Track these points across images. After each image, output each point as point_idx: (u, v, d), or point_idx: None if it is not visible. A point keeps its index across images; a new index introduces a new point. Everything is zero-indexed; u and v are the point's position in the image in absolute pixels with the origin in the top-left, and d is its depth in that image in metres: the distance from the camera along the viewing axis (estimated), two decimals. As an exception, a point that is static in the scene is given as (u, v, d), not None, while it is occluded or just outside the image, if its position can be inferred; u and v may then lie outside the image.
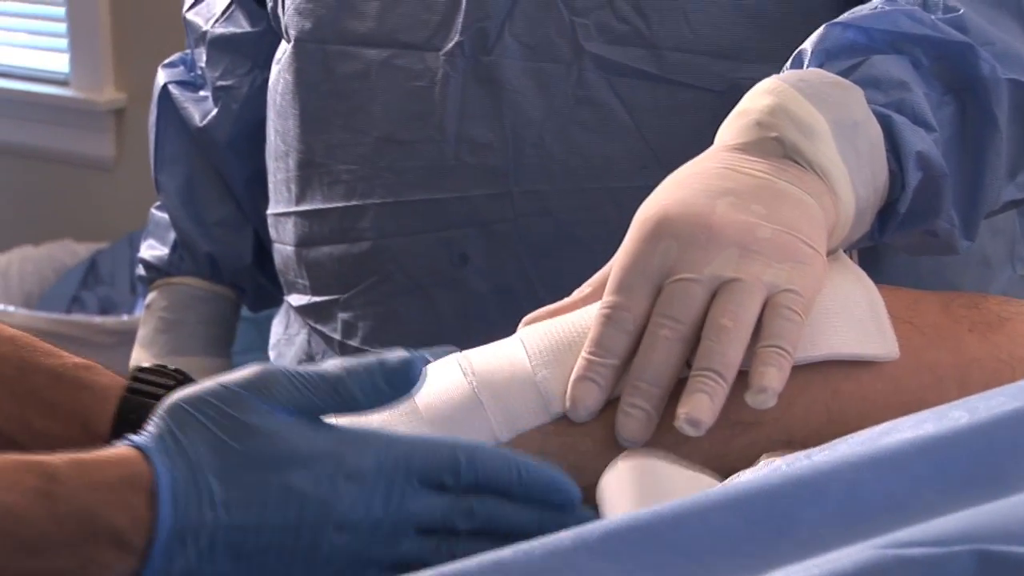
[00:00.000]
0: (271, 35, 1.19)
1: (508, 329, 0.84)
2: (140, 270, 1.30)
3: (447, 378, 0.75)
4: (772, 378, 0.70)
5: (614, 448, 0.72)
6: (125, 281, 2.60)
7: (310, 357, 1.11)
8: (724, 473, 0.69)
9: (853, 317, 0.74)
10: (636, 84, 0.99)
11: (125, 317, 2.42)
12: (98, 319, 2.41)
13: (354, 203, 1.04)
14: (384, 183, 1.03)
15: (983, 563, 0.48)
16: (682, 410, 0.69)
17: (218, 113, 1.23)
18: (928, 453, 0.54)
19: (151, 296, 1.28)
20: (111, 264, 2.64)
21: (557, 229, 1.00)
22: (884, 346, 0.74)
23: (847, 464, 0.54)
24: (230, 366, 1.26)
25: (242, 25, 1.23)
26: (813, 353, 0.73)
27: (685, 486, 0.64)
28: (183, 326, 1.26)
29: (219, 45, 1.24)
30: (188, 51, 1.28)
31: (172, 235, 1.27)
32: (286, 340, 1.14)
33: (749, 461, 0.70)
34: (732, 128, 0.79)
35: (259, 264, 1.27)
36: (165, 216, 1.28)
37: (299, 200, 1.08)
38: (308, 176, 1.07)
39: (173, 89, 1.26)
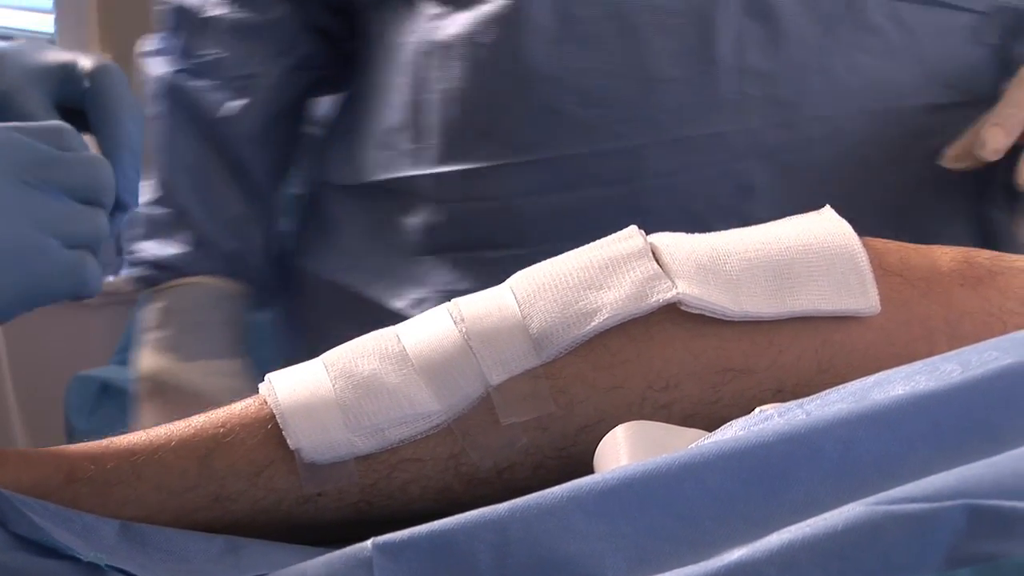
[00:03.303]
0: (290, 20, 1.18)
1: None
2: (142, 271, 1.25)
3: (437, 326, 0.76)
4: None
5: (605, 394, 0.73)
6: (111, 243, 2.59)
7: None
8: (715, 421, 0.69)
9: (835, 272, 0.75)
10: (915, 9, 1.03)
11: (111, 278, 2.40)
12: (85, 280, 2.40)
13: (617, 145, 1.03)
14: (654, 122, 1.02)
15: (973, 517, 0.48)
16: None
17: (242, 104, 1.19)
18: (922, 410, 0.55)
19: (165, 299, 1.23)
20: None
21: (845, 152, 1.02)
22: (865, 301, 0.75)
23: (841, 421, 0.55)
24: (250, 364, 1.23)
25: (261, 11, 1.19)
26: (794, 309, 0.74)
27: (679, 445, 0.64)
28: (208, 327, 1.22)
29: (238, 32, 1.19)
30: (169, 34, 1.22)
31: (181, 233, 1.22)
32: (442, 296, 1.08)
33: (740, 409, 0.70)
34: None
35: (266, 259, 1.25)
36: (164, 212, 1.23)
37: (520, 151, 1.06)
38: (547, 123, 1.05)
39: (180, 80, 1.20)
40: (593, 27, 1.03)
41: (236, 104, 1.19)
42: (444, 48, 1.08)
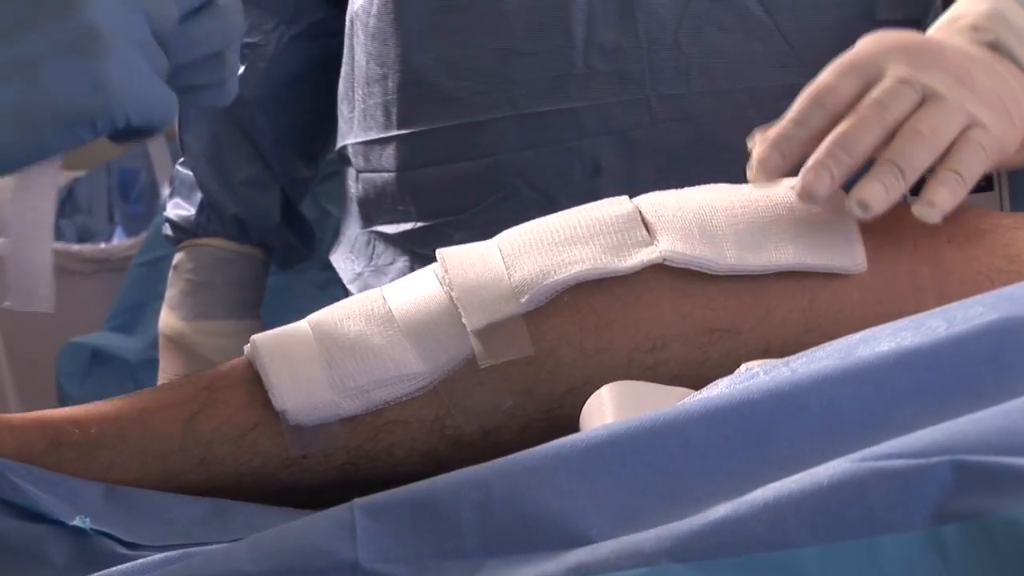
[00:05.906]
0: None
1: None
2: (167, 230, 1.28)
3: (423, 287, 0.76)
4: (944, 197, 0.73)
5: (591, 356, 0.73)
6: (103, 209, 2.59)
7: None
8: (701, 382, 0.68)
9: (821, 229, 0.75)
10: None
11: (103, 245, 2.41)
12: (76, 247, 2.40)
13: (472, 119, 1.02)
14: (507, 96, 1.00)
15: (959, 473, 0.48)
16: (855, 194, 0.73)
17: (245, 71, 1.20)
18: (907, 366, 0.54)
19: (178, 257, 1.27)
20: (89, 192, 2.62)
21: (696, 133, 0.99)
22: (852, 259, 0.74)
23: (826, 378, 0.54)
24: (259, 327, 1.25)
25: None
26: (779, 262, 0.73)
27: (665, 404, 0.64)
28: (211, 288, 1.25)
29: (245, 1, 1.22)
30: None
31: (198, 195, 1.25)
32: (372, 272, 1.10)
33: (727, 369, 0.70)
34: (944, 32, 0.81)
35: (287, 222, 1.26)
36: (190, 173, 1.26)
37: (402, 123, 1.05)
38: (414, 96, 1.04)
39: None
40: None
41: (240, 71, 1.20)
42: (358, 20, 1.09)
